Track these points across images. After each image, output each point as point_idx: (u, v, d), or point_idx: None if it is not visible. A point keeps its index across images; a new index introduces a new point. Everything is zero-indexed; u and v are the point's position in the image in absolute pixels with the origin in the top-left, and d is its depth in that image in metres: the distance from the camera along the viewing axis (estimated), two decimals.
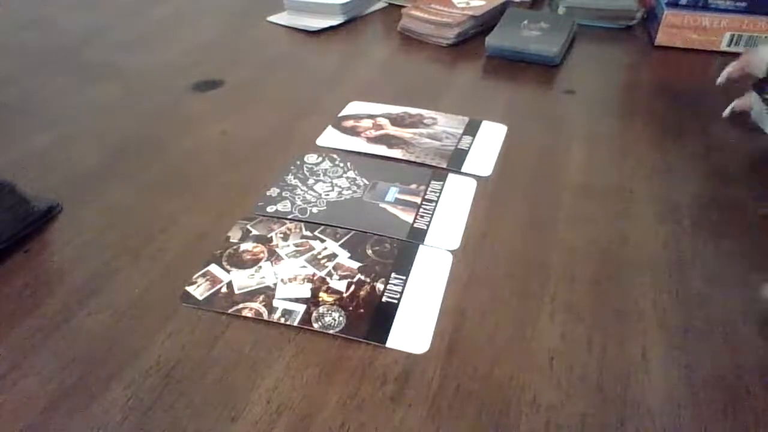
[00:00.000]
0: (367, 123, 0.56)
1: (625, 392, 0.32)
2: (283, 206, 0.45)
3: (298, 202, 0.46)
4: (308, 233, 0.43)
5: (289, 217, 0.44)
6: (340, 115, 0.58)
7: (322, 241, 0.42)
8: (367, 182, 0.48)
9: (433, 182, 0.48)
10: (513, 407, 0.31)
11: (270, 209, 0.45)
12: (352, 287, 0.38)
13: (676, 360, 0.34)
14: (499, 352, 0.34)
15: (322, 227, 0.43)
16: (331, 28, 0.77)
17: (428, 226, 0.43)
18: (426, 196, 0.46)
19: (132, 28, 0.78)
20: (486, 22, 0.75)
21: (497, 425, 0.30)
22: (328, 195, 0.46)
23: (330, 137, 0.54)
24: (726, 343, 0.35)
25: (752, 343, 0.35)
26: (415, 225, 0.43)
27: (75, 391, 0.32)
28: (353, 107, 0.59)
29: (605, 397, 0.32)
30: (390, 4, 0.84)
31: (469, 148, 0.52)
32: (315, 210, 0.45)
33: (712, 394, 0.32)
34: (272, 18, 0.80)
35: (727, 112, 0.49)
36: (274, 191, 0.47)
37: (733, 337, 0.35)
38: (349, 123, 0.56)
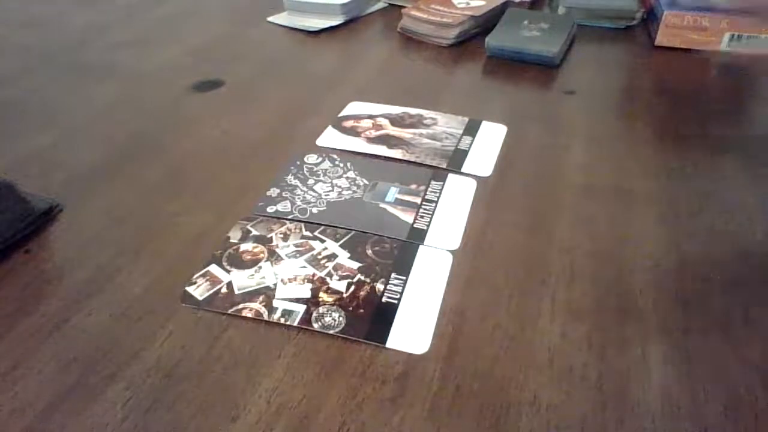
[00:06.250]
0: (367, 123, 0.56)
1: (625, 392, 0.32)
2: (283, 206, 0.45)
3: (298, 203, 0.46)
4: (308, 233, 0.43)
5: (289, 217, 0.44)
6: (340, 115, 0.58)
7: (322, 241, 0.42)
8: (367, 182, 0.48)
9: (433, 182, 0.48)
10: (513, 407, 0.31)
11: (270, 209, 0.45)
12: (352, 287, 0.38)
13: (676, 360, 0.34)
14: (499, 352, 0.34)
15: (322, 227, 0.43)
16: (331, 28, 0.77)
17: (428, 226, 0.43)
18: (426, 197, 0.46)
19: (132, 28, 0.78)
20: (486, 22, 0.75)
21: (497, 425, 0.30)
22: (328, 195, 0.47)
23: (330, 137, 0.54)
24: (726, 343, 0.35)
25: (752, 342, 0.35)
26: (415, 225, 0.43)
27: (75, 391, 0.32)
28: (353, 107, 0.59)
29: (605, 397, 0.32)
30: (390, 4, 0.84)
31: (469, 148, 0.52)
32: (315, 210, 0.45)
33: (712, 393, 0.32)
34: (272, 18, 0.80)
35: None
36: (274, 191, 0.47)
37: (733, 337, 0.35)
38: (349, 123, 0.56)
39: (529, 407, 0.31)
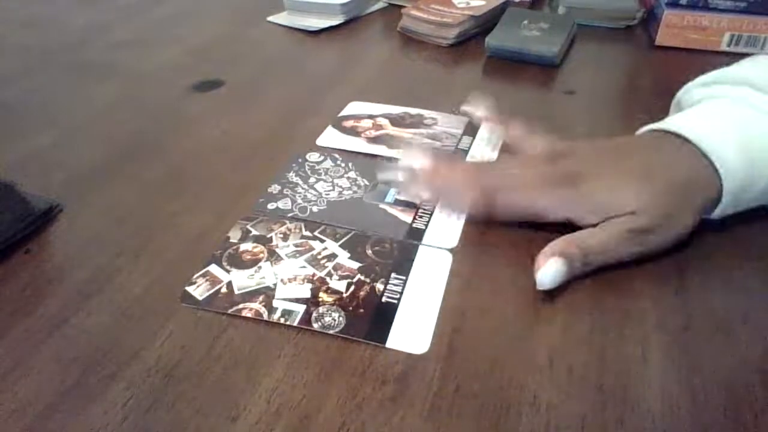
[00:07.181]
0: (367, 123, 0.56)
1: (624, 392, 0.32)
2: (283, 204, 0.45)
3: (299, 201, 0.46)
4: (308, 233, 0.43)
5: (289, 215, 0.44)
6: (340, 115, 0.58)
7: (322, 241, 0.42)
8: (367, 183, 0.48)
9: None
10: (513, 407, 0.31)
11: (270, 206, 0.45)
12: (352, 287, 0.38)
13: (675, 360, 0.34)
14: (499, 352, 0.34)
15: (322, 227, 0.43)
16: (331, 28, 0.77)
17: (427, 225, 0.43)
18: None
19: (132, 28, 0.78)
20: (486, 22, 0.75)
21: (497, 425, 0.30)
22: (328, 194, 0.47)
23: (330, 137, 0.54)
24: (726, 343, 0.35)
25: (752, 342, 0.35)
26: (414, 225, 0.43)
27: (75, 391, 0.32)
28: (353, 107, 0.59)
29: (605, 397, 0.32)
30: (390, 4, 0.84)
31: (469, 148, 0.52)
32: (315, 209, 0.45)
33: (712, 394, 0.32)
34: (272, 18, 0.80)
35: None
36: (275, 188, 0.47)
37: (733, 337, 0.35)
38: (349, 123, 0.56)
39: (529, 407, 0.31)
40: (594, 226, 0.39)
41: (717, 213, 0.40)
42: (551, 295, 0.37)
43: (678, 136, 0.40)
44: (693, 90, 0.47)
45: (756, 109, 0.41)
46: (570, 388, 0.32)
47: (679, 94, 0.49)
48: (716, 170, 0.38)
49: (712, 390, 0.32)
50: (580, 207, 0.39)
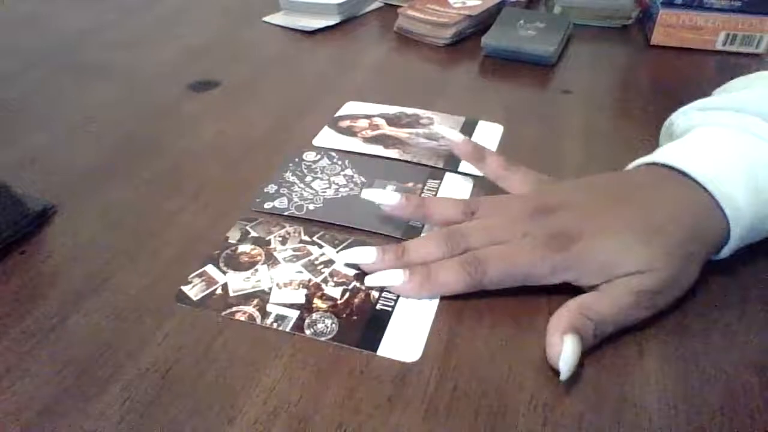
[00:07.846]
0: (363, 123, 0.56)
1: (622, 392, 0.32)
2: (280, 203, 0.45)
3: (296, 199, 0.46)
4: (307, 238, 0.42)
5: (286, 213, 0.44)
6: (336, 115, 0.57)
7: (320, 246, 0.42)
8: (364, 180, 0.48)
9: (429, 181, 0.48)
10: (510, 407, 0.31)
11: (267, 206, 0.45)
12: (347, 294, 0.38)
13: (673, 359, 0.34)
14: (496, 352, 0.34)
15: (322, 232, 0.43)
16: (328, 28, 0.77)
17: (424, 224, 0.43)
18: (422, 195, 0.46)
19: (129, 28, 0.78)
20: (482, 22, 0.75)
21: (495, 425, 0.30)
22: (325, 192, 0.46)
23: (326, 137, 0.54)
24: (723, 343, 0.35)
25: (749, 342, 0.35)
26: (411, 223, 0.43)
27: (72, 393, 0.32)
28: (349, 107, 0.59)
29: (603, 397, 0.32)
30: (386, 4, 0.84)
31: None
32: (312, 207, 0.45)
33: (709, 393, 0.32)
34: (268, 18, 0.80)
35: None
36: (272, 188, 0.47)
37: (731, 337, 0.35)
38: (346, 123, 0.56)
39: (526, 407, 0.31)
40: (595, 286, 0.35)
41: (723, 254, 0.38)
42: (548, 293, 0.37)
43: (681, 173, 0.37)
44: (690, 113, 0.43)
45: (763, 139, 0.38)
46: (567, 387, 0.32)
47: (673, 117, 0.45)
48: (724, 214, 0.35)
49: (710, 389, 0.32)
50: (579, 269, 0.35)
